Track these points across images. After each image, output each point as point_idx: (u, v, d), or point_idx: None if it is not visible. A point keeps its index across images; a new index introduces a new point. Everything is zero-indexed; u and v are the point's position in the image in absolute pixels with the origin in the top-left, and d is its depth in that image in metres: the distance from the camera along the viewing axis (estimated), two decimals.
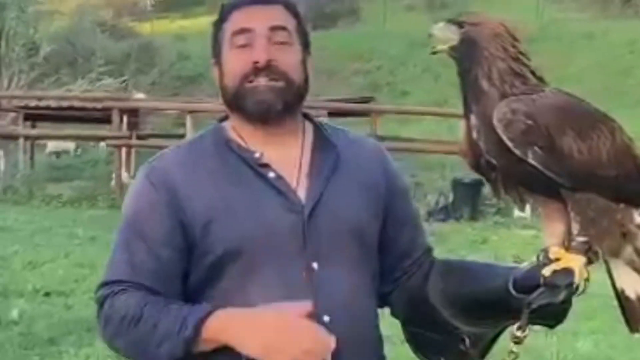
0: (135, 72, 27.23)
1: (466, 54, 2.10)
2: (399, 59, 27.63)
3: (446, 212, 13.13)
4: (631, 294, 2.10)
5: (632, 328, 2.12)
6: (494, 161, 2.06)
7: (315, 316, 2.11)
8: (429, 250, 2.38)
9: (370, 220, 2.26)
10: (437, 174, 16.05)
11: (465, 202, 12.86)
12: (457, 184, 13.76)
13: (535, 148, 2.00)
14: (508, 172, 2.07)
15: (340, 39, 30.64)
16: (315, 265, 2.14)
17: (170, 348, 2.07)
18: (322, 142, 2.27)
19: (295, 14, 2.28)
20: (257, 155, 2.20)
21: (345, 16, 34.40)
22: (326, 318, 2.13)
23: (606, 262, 2.09)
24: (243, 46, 2.20)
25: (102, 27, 30.99)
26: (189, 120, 15.69)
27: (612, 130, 2.06)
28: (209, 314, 2.06)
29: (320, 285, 2.14)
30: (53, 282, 8.58)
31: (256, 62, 2.17)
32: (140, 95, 22.41)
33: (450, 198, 13.10)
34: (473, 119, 2.08)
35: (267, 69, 2.18)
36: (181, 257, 2.15)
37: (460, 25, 2.12)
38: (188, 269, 2.17)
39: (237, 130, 2.25)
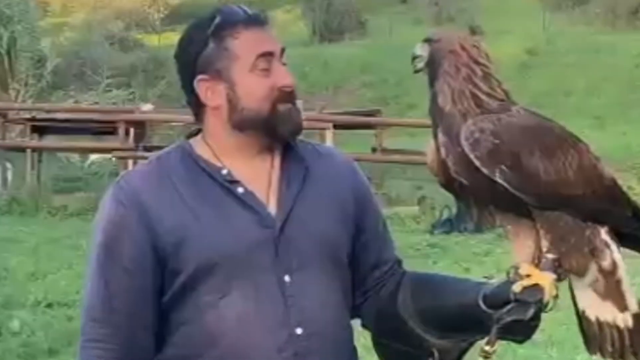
0: (143, 84, 27.33)
1: (430, 72, 2.14)
2: (406, 72, 27.28)
3: (450, 225, 13.08)
4: (591, 315, 2.11)
5: (590, 350, 2.12)
6: (462, 180, 2.07)
7: (288, 327, 2.14)
8: (398, 262, 2.39)
9: (341, 233, 2.27)
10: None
11: (469, 215, 12.80)
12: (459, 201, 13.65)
13: (503, 167, 2.01)
14: (476, 190, 2.08)
15: (347, 52, 30.74)
16: (287, 278, 2.16)
17: None
18: (292, 156, 2.28)
19: None
20: (224, 172, 2.21)
21: (352, 30, 34.47)
22: (299, 330, 2.16)
23: (570, 281, 2.09)
24: (265, 68, 2.19)
25: (111, 40, 31.11)
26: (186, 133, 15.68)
27: (579, 151, 2.08)
28: None
29: (293, 298, 2.16)
30: (55, 293, 8.59)
31: (286, 87, 2.20)
32: (148, 106, 22.46)
33: (455, 210, 13.06)
34: (440, 137, 2.10)
35: (292, 92, 2.22)
36: (156, 274, 2.16)
37: (428, 43, 2.16)
38: (162, 286, 2.17)
39: (212, 147, 2.24)
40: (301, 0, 36.15)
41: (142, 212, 2.15)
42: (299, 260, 2.18)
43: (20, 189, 16.19)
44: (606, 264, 2.09)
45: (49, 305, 8.22)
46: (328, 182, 2.29)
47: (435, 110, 2.11)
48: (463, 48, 2.12)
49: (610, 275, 2.09)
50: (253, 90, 2.19)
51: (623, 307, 2.10)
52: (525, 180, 2.02)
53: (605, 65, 27.74)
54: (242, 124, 2.21)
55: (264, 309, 2.13)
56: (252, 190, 2.20)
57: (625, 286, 2.10)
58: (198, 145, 2.26)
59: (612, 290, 2.10)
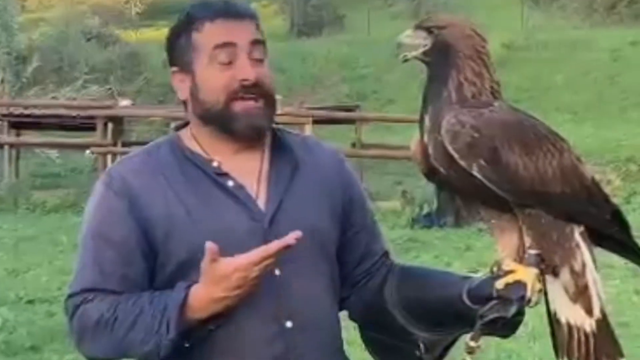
0: (120, 79, 27.22)
1: (440, 57, 2.09)
2: (384, 67, 27.68)
3: (430, 219, 13.14)
4: (562, 317, 2.09)
5: (558, 354, 2.10)
6: (440, 169, 2.07)
7: (278, 320, 2.15)
8: (386, 254, 2.39)
9: (330, 226, 2.28)
10: (422, 181, 16.07)
11: (450, 209, 12.88)
12: (441, 191, 13.71)
13: (481, 161, 2.00)
14: (455, 182, 2.07)
15: (325, 47, 30.73)
16: (277, 271, 2.16)
17: (156, 346, 2.08)
18: (281, 149, 2.28)
19: (259, 27, 2.27)
20: (215, 164, 2.21)
21: (330, 24, 34.46)
22: (289, 323, 2.17)
23: (543, 282, 2.07)
24: (225, 59, 2.18)
25: (88, 36, 30.96)
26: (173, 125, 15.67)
27: (560, 149, 2.08)
28: (182, 306, 2.07)
29: (283, 290, 2.17)
30: (36, 289, 8.58)
31: (244, 80, 2.17)
32: (126, 102, 22.38)
33: (435, 205, 13.11)
34: (427, 121, 2.09)
35: (254, 87, 2.18)
36: (147, 261, 2.16)
37: (429, 30, 2.12)
38: (153, 273, 2.18)
39: (198, 140, 2.25)
40: None
41: (132, 201, 2.16)
42: (289, 253, 2.15)
43: None
44: (576, 265, 2.07)
45: (30, 302, 8.22)
46: (317, 175, 2.30)
47: (435, 92, 2.09)
48: (476, 32, 2.12)
49: (579, 277, 2.07)
50: (210, 83, 2.19)
51: (590, 311, 2.08)
52: (502, 175, 2.01)
53: (583, 60, 27.87)
54: (203, 117, 2.22)
55: (254, 301, 2.12)
56: (242, 183, 2.21)
57: (593, 290, 2.08)
58: (186, 138, 2.27)
59: (581, 293, 2.08)
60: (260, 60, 2.22)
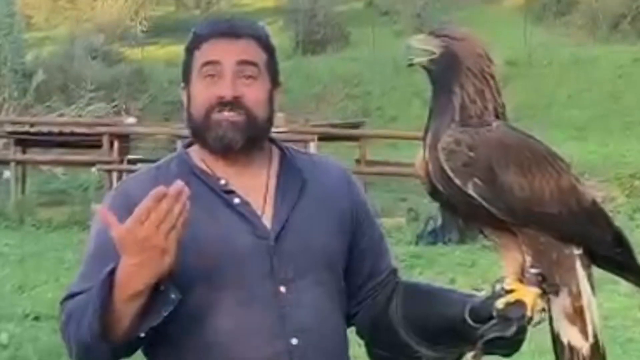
0: (126, 97, 27.24)
1: (445, 68, 2.08)
2: (389, 83, 27.67)
3: (435, 236, 13.14)
4: (564, 338, 2.09)
5: None
6: (439, 187, 2.07)
7: (283, 337, 2.17)
8: (394, 271, 2.42)
9: (337, 244, 2.30)
10: (426, 197, 16.00)
11: (454, 225, 12.89)
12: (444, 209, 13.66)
13: (476, 180, 2.00)
14: (453, 200, 2.07)
15: (329, 64, 30.72)
16: (282, 288, 2.19)
17: (89, 328, 2.07)
18: (288, 167, 2.31)
19: (266, 48, 2.31)
20: (222, 182, 2.25)
21: (334, 41, 34.46)
22: (294, 341, 2.19)
23: (548, 303, 2.08)
24: (212, 77, 2.23)
25: (94, 53, 31.01)
26: (179, 145, 15.69)
27: (559, 170, 2.07)
28: (107, 282, 2.05)
29: (289, 308, 2.19)
30: (42, 306, 8.59)
31: (221, 97, 2.21)
32: (132, 120, 22.40)
33: (439, 221, 13.11)
34: (428, 139, 2.10)
35: (232, 103, 2.22)
36: None
37: (442, 37, 2.10)
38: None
39: (203, 157, 2.29)
40: (284, 13, 36.15)
41: None
42: (295, 271, 2.20)
43: (5, 203, 16.15)
44: (574, 286, 2.07)
45: (37, 318, 8.24)
46: (324, 193, 2.32)
47: (439, 107, 2.09)
48: (487, 53, 2.11)
49: (576, 299, 2.08)
50: (196, 98, 2.26)
51: (585, 334, 2.08)
52: (498, 195, 2.00)
53: (587, 76, 27.83)
54: (191, 131, 2.30)
55: (259, 319, 2.16)
56: (249, 201, 2.23)
57: (587, 314, 2.08)
58: (195, 155, 2.31)
59: (578, 316, 2.08)
60: (252, 78, 2.25)
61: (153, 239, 1.98)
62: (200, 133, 2.26)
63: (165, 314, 2.06)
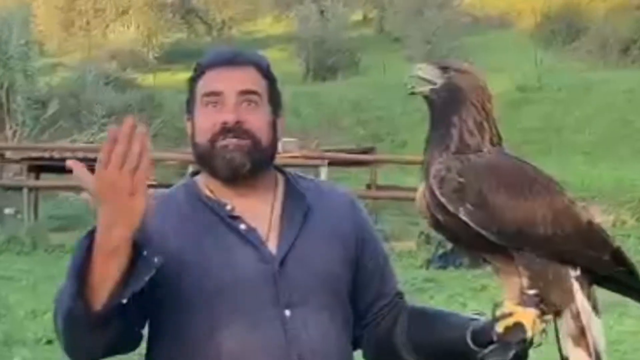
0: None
1: (446, 99, 2.09)
2: (399, 109, 27.75)
3: (446, 259, 13.15)
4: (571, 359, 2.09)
5: None
6: (438, 217, 2.08)
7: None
8: (398, 294, 2.43)
9: (341, 269, 2.32)
10: None
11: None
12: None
13: (467, 205, 2.01)
14: (451, 229, 2.08)
15: (340, 90, 30.83)
16: (287, 313, 2.21)
17: (70, 297, 2.03)
18: (293, 193, 2.34)
19: (267, 75, 2.33)
20: (228, 207, 2.27)
21: (345, 68, 34.60)
22: None
23: (555, 325, 2.09)
24: (214, 105, 2.26)
25: (106, 80, 31.20)
26: (190, 171, 15.76)
27: (552, 191, 2.07)
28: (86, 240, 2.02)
29: (294, 332, 2.20)
30: (55, 330, 8.59)
31: (224, 123, 2.24)
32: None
33: (450, 245, 13.14)
34: (424, 168, 2.11)
35: (235, 129, 2.24)
36: (153, 292, 2.13)
37: (444, 69, 2.12)
38: (159, 313, 2.20)
39: (209, 184, 2.32)
40: (295, 40, 36.33)
41: (147, 240, 2.11)
42: (299, 295, 2.22)
43: (18, 228, 16.23)
44: (574, 307, 2.07)
45: (49, 342, 8.24)
46: (329, 218, 2.34)
47: (437, 138, 2.11)
48: (486, 87, 2.13)
49: (576, 320, 2.08)
50: (200, 126, 2.28)
51: (590, 354, 2.08)
52: (489, 219, 2.00)
53: (596, 101, 27.85)
54: (197, 159, 2.31)
55: (265, 342, 2.18)
56: (254, 227, 2.26)
57: (588, 334, 2.08)
58: (201, 182, 2.34)
59: (580, 337, 2.08)
60: (254, 105, 2.28)
61: (119, 182, 1.92)
62: (206, 160, 2.27)
63: (146, 278, 2.00)
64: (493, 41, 35.32)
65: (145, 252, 2.02)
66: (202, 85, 2.30)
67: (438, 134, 2.11)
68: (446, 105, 2.10)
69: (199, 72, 2.32)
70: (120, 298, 2.00)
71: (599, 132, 26.22)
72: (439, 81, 2.11)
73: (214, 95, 2.27)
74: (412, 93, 2.15)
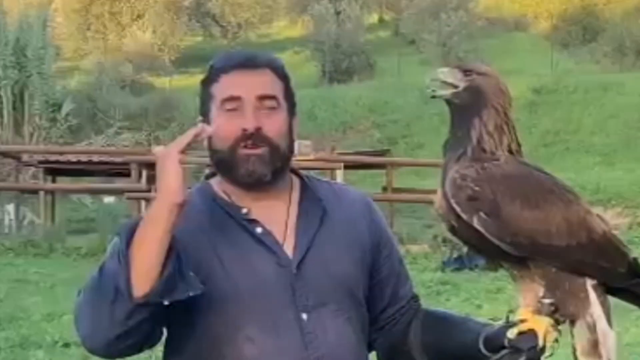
0: (154, 126, 27.46)
1: (468, 102, 2.09)
2: (415, 112, 27.74)
3: (461, 262, 13.13)
4: None
5: None
6: (452, 222, 2.08)
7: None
8: (413, 297, 2.44)
9: (357, 272, 2.32)
10: None
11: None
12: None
13: (481, 214, 2.01)
14: (464, 235, 2.08)
15: (356, 93, 30.81)
16: (304, 316, 2.21)
17: (114, 273, 2.10)
18: (309, 195, 2.33)
19: (282, 75, 2.33)
20: (244, 211, 2.27)
21: (361, 70, 34.60)
22: None
23: (570, 331, 2.08)
24: (233, 111, 2.25)
25: (122, 83, 31.32)
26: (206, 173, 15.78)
27: (567, 202, 2.06)
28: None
29: (311, 335, 2.21)
30: (72, 333, 8.50)
31: (244, 130, 2.23)
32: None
33: (465, 248, 13.11)
34: (442, 172, 2.12)
35: (255, 136, 2.23)
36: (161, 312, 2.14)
37: (466, 72, 2.12)
38: (177, 317, 2.19)
39: (224, 188, 2.31)
40: (310, 42, 36.35)
41: None
42: (316, 298, 2.23)
43: (34, 231, 16.31)
44: (589, 317, 2.07)
45: (66, 345, 8.26)
46: (345, 221, 2.34)
47: (455, 140, 2.10)
48: (507, 91, 2.13)
49: (591, 330, 2.07)
50: (218, 131, 2.24)
51: None
52: (503, 229, 2.00)
53: (613, 103, 27.76)
54: (215, 164, 2.30)
55: (282, 345, 2.18)
56: (270, 230, 2.26)
57: (602, 346, 2.07)
58: (217, 185, 2.33)
59: (594, 347, 2.08)
60: (272, 109, 2.27)
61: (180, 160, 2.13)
62: (227, 168, 2.27)
63: (191, 294, 2.09)
64: (509, 44, 35.25)
65: (191, 274, 2.11)
66: (219, 90, 2.28)
67: (457, 137, 2.10)
68: (467, 108, 2.10)
69: (213, 76, 2.31)
70: (160, 298, 2.07)
71: (615, 134, 26.12)
72: (461, 84, 2.11)
73: (233, 100, 2.26)
74: (434, 97, 2.15)
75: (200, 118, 2.33)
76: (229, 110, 2.26)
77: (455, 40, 33.69)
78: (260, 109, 2.26)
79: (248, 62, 2.30)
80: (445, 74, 2.12)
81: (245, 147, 2.23)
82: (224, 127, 2.25)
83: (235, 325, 2.20)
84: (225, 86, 2.28)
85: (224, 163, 2.27)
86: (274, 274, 2.22)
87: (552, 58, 31.70)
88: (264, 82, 2.29)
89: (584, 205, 2.09)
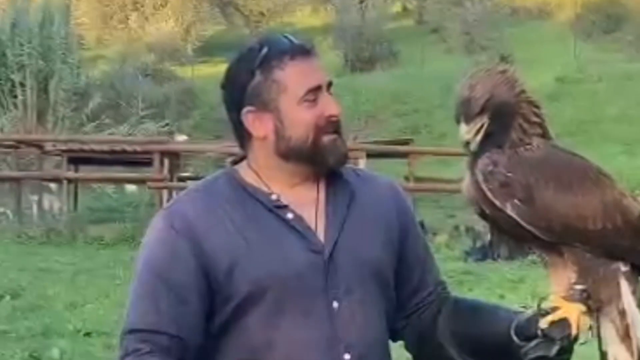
0: (177, 115, 27.52)
1: (499, 119, 2.06)
2: (437, 101, 27.63)
3: (484, 252, 13.12)
4: (611, 356, 2.07)
5: None
6: (484, 209, 2.06)
7: (336, 352, 2.17)
8: (441, 284, 2.41)
9: (386, 258, 2.29)
10: (474, 214, 15.98)
11: (503, 242, 12.81)
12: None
13: (515, 200, 1.99)
14: (499, 221, 2.06)
15: (379, 81, 30.76)
16: (335, 304, 2.19)
17: None
18: (336, 181, 2.30)
19: None
20: (274, 197, 2.23)
21: (384, 59, 34.54)
22: (347, 356, 2.18)
23: (597, 321, 2.06)
24: (313, 100, 2.21)
25: (144, 72, 31.38)
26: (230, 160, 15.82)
27: (602, 185, 2.04)
28: None
29: (341, 323, 2.18)
30: (94, 322, 8.67)
31: (332, 117, 2.22)
32: (182, 137, 22.61)
33: (488, 238, 13.08)
34: (471, 161, 2.10)
35: (338, 122, 2.25)
36: (205, 301, 2.17)
37: (478, 111, 2.07)
38: (212, 310, 2.18)
39: (259, 174, 2.27)
40: (333, 31, 36.30)
41: (194, 241, 2.17)
42: (346, 286, 2.20)
43: (57, 220, 16.38)
44: (621, 304, 2.04)
45: (88, 334, 8.31)
46: (372, 206, 2.31)
47: (491, 136, 2.07)
48: (520, 87, 2.11)
49: (623, 317, 2.05)
50: (300, 121, 2.20)
51: (632, 353, 2.05)
52: (537, 214, 1.98)
53: (636, 92, 27.58)
54: (288, 153, 2.23)
55: (313, 334, 2.16)
56: (301, 215, 2.23)
57: (632, 333, 2.05)
58: (244, 172, 2.28)
59: (625, 335, 2.05)
60: (332, 96, 2.27)
61: None
62: (312, 155, 2.22)
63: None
64: (532, 32, 35.04)
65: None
66: (293, 79, 2.20)
67: (494, 135, 2.08)
68: (499, 120, 2.07)
69: (274, 62, 2.22)
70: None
71: (638, 123, 25.94)
72: (484, 119, 2.07)
73: (317, 90, 2.22)
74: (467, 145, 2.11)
75: (250, 108, 2.24)
76: (312, 100, 2.21)
77: (478, 29, 33.55)
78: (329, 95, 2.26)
79: (304, 48, 2.25)
80: (468, 129, 2.08)
81: (328, 133, 2.22)
82: (306, 116, 2.21)
83: (268, 314, 2.17)
84: (302, 74, 2.22)
85: (309, 152, 2.22)
86: (308, 260, 2.19)
87: (575, 47, 31.53)
88: (324, 67, 2.28)
89: (618, 187, 2.07)
